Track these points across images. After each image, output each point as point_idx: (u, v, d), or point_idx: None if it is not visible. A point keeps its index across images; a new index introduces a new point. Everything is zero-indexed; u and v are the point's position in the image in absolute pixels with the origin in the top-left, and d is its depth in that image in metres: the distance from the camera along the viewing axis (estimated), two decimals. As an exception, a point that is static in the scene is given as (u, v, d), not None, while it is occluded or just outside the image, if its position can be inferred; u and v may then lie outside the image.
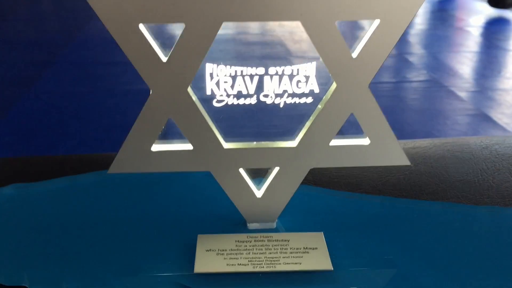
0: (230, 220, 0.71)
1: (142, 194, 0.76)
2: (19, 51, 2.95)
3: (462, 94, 2.47)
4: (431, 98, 2.58)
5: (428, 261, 0.64)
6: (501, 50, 3.15)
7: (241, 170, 0.66)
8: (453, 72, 2.78)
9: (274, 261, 0.62)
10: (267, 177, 0.68)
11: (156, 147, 0.65)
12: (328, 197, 0.76)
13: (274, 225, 0.70)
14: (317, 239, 0.66)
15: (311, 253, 0.63)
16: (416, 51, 3.12)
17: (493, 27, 3.64)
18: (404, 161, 0.66)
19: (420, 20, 3.74)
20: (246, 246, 0.65)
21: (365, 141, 0.65)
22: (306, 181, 0.69)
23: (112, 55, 2.61)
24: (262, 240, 0.66)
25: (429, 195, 0.79)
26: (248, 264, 0.62)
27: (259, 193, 0.68)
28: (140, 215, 0.72)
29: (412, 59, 2.93)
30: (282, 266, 0.61)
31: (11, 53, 2.93)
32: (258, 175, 0.70)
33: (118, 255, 0.64)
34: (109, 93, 2.35)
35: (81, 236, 0.67)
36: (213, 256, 0.63)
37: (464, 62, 2.94)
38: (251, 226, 0.70)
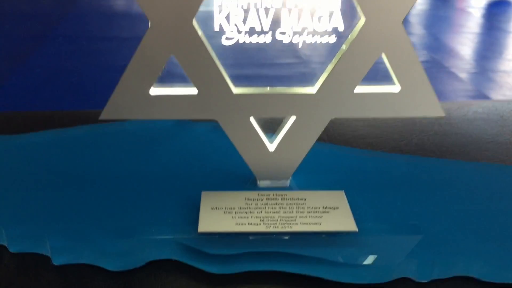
0: (239, 177, 0.62)
1: (139, 147, 0.67)
2: (12, 24, 2.85)
3: (463, 75, 2.39)
4: (432, 79, 2.48)
5: (458, 225, 0.56)
6: (503, 32, 3.07)
7: (252, 120, 0.58)
8: (454, 53, 2.69)
9: (289, 220, 0.54)
10: (281, 128, 0.60)
11: (155, 91, 0.56)
12: (348, 154, 0.68)
13: (287, 183, 0.62)
14: (338, 198, 0.58)
15: (331, 213, 0.56)
16: (416, 31, 3.03)
17: (494, 9, 3.55)
18: (438, 112, 0.58)
19: (421, 1, 3.65)
20: (257, 204, 0.57)
21: (395, 88, 0.57)
22: (320, 140, 0.61)
23: (107, 30, 2.52)
24: (275, 199, 0.58)
25: (456, 155, 0.71)
26: (260, 224, 0.54)
27: (271, 146, 0.60)
28: (137, 170, 0.63)
29: (413, 39, 2.84)
30: (299, 227, 0.53)
31: (4, 26, 2.82)
32: (271, 129, 0.62)
33: (111, 214, 0.56)
34: (104, 68, 2.26)
35: (69, 192, 0.59)
36: (219, 214, 0.55)
37: (465, 43, 2.85)
38: (261, 183, 0.61)
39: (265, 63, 1.71)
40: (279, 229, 0.53)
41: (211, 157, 0.66)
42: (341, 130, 0.76)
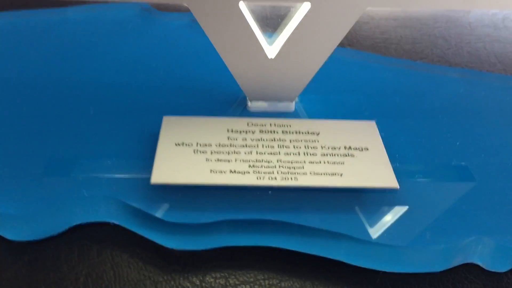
0: (220, 95, 0.43)
1: (82, 46, 0.47)
2: None
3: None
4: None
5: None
6: None
7: (243, 5, 0.37)
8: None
9: (294, 168, 0.35)
10: (287, 24, 0.39)
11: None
12: (378, 65, 0.48)
13: (292, 107, 0.42)
14: (368, 133, 0.38)
15: (358, 156, 0.36)
16: None
17: None
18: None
19: None
20: (245, 140, 0.37)
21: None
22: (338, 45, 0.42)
23: None
24: (274, 131, 0.38)
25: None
26: (248, 172, 0.35)
27: (271, 50, 0.39)
28: (70, 78, 0.43)
29: None
30: (308, 179, 0.34)
31: None
32: (270, 26, 0.41)
33: (17, 147, 0.37)
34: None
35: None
36: (186, 155, 0.36)
37: None
38: (254, 106, 0.42)
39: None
40: (278, 182, 0.34)
41: (183, 65, 0.45)
42: (365, 32, 0.56)
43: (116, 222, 0.33)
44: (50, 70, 0.44)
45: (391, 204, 0.34)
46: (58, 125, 0.38)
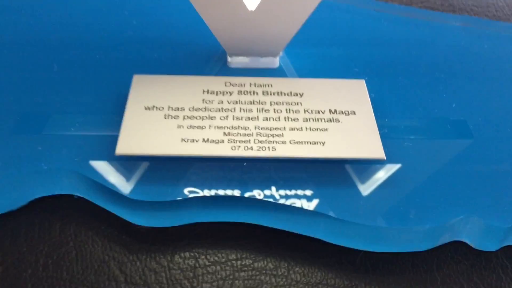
0: (198, 50, 0.39)
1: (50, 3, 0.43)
2: None
3: None
4: None
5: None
6: None
7: (218, -46, 0.33)
8: None
9: (273, 136, 0.32)
10: (269, -29, 0.35)
11: None
12: (373, 12, 0.44)
13: (276, 62, 0.39)
14: (356, 93, 0.35)
15: (344, 121, 0.33)
16: None
17: None
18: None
19: None
20: (222, 102, 0.34)
21: None
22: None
23: None
24: (254, 93, 0.35)
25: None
26: (223, 141, 0.32)
27: (252, 1, 0.36)
28: (46, 35, 0.40)
29: None
30: (288, 148, 0.32)
31: None
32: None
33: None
34: None
35: None
36: (156, 120, 0.33)
37: None
38: (234, 62, 0.39)
39: None
40: (254, 153, 0.31)
41: (155, 16, 0.42)
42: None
43: (80, 195, 0.31)
44: (13, 24, 0.40)
45: (375, 177, 0.31)
46: (14, 84, 0.35)
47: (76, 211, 0.31)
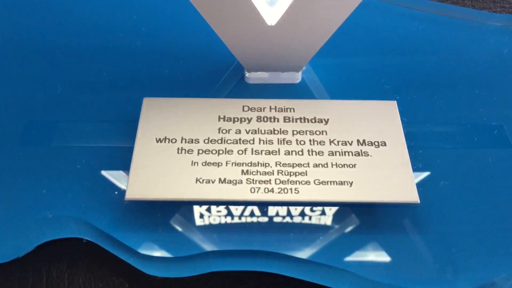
0: (213, 62, 0.36)
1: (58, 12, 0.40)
2: None
3: None
4: None
5: None
6: None
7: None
8: None
9: (296, 175, 0.29)
10: (291, -18, 0.31)
11: None
12: (405, 10, 0.40)
13: (298, 77, 0.35)
14: (387, 118, 0.32)
15: (372, 155, 0.30)
16: None
17: None
18: None
19: None
20: (239, 132, 0.31)
21: None
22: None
23: None
24: (274, 119, 0.32)
25: None
26: (241, 181, 0.29)
27: (271, 14, 0.32)
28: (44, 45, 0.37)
29: None
30: (311, 191, 0.29)
31: None
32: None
33: None
34: None
35: None
36: (169, 155, 0.30)
37: None
38: (253, 77, 0.35)
39: None
40: (275, 196, 0.29)
41: (167, 26, 0.38)
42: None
43: (89, 239, 0.29)
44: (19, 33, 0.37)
45: (406, 226, 0.29)
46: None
47: (85, 258, 0.29)
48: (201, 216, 0.29)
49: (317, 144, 0.31)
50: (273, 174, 0.29)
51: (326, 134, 0.31)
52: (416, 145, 0.31)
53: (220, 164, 0.30)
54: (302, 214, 0.29)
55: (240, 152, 0.30)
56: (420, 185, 0.30)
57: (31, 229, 0.28)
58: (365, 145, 0.31)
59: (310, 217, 0.29)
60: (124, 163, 0.30)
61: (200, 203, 0.29)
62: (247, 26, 0.32)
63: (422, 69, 0.36)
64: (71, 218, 0.28)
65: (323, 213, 0.29)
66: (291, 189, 0.29)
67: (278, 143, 0.31)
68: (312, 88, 0.35)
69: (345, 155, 0.30)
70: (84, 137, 0.32)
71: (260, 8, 0.31)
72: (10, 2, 0.40)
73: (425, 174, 0.30)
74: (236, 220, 0.29)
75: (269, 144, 0.31)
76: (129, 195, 0.28)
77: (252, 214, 0.29)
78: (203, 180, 0.29)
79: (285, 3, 0.31)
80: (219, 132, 0.31)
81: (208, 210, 0.29)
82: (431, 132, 0.32)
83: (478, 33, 0.38)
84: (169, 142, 0.31)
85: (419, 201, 0.28)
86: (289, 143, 0.31)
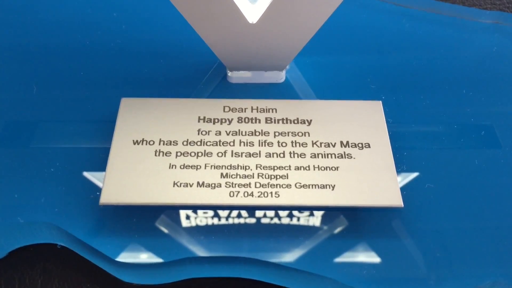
0: (194, 61, 0.35)
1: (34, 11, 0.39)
2: None
3: None
4: None
5: None
6: None
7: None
8: None
9: (276, 178, 0.29)
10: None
11: None
12: (393, 7, 0.39)
13: (282, 76, 0.35)
14: (372, 119, 0.31)
15: (356, 157, 0.30)
16: None
17: None
18: None
19: None
20: (219, 133, 0.30)
21: None
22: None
23: None
24: (256, 120, 0.31)
25: None
26: (220, 185, 0.28)
27: (252, 12, 0.31)
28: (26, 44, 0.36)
29: None
30: (292, 195, 0.28)
31: None
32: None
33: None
34: None
35: None
36: (146, 158, 0.29)
37: None
38: (235, 76, 0.34)
39: None
40: (255, 200, 0.28)
41: (147, 24, 0.37)
42: None
43: (63, 244, 0.28)
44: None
45: (390, 231, 0.28)
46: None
47: (59, 264, 0.28)
48: (179, 221, 0.28)
49: (299, 146, 0.30)
50: (253, 177, 0.29)
51: (309, 135, 0.30)
52: (401, 146, 0.31)
53: (199, 167, 0.29)
54: (283, 218, 0.28)
55: (220, 154, 0.29)
56: (404, 188, 0.29)
57: (2, 235, 0.28)
58: (349, 146, 0.30)
59: (290, 222, 0.28)
60: (100, 165, 0.30)
61: (178, 207, 0.28)
62: (228, 24, 0.31)
63: (409, 68, 0.35)
64: (44, 223, 0.27)
65: (304, 217, 0.28)
66: (271, 192, 0.28)
67: (259, 145, 0.30)
68: (297, 87, 0.34)
69: (327, 157, 0.29)
70: (59, 138, 0.31)
71: (241, 6, 0.30)
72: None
73: (410, 176, 0.30)
74: (214, 225, 0.28)
75: (249, 146, 0.30)
76: (103, 200, 0.27)
77: (231, 218, 0.28)
78: (180, 183, 0.28)
79: (266, 0, 0.31)
80: (198, 134, 0.30)
81: (186, 215, 0.28)
82: (417, 133, 0.31)
83: (467, 31, 0.37)
84: (146, 144, 0.30)
85: (403, 205, 0.28)
86: (270, 145, 0.30)
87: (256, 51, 0.32)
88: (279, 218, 0.28)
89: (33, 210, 0.28)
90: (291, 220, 0.28)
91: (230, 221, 0.28)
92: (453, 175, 0.30)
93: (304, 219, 0.28)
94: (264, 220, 0.28)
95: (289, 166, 0.29)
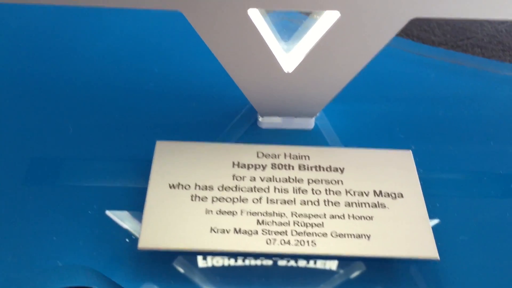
0: (225, 103, 0.36)
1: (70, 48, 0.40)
2: None
3: None
4: None
5: None
6: None
7: (253, 12, 0.29)
8: None
9: (312, 226, 0.29)
10: (307, 28, 0.31)
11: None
12: (415, 57, 0.40)
13: (311, 123, 0.35)
14: (403, 169, 0.32)
15: (390, 207, 0.30)
16: None
17: None
18: None
19: None
20: (254, 179, 0.31)
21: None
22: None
23: None
24: (289, 166, 0.32)
25: None
26: (256, 232, 0.28)
27: (288, 62, 0.32)
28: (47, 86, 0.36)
29: None
30: (329, 244, 0.28)
31: None
32: (287, 31, 0.33)
33: None
34: None
35: None
36: (182, 203, 0.29)
37: None
38: (266, 122, 0.35)
39: None
40: (291, 249, 0.28)
41: (179, 66, 0.38)
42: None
43: (98, 288, 0.28)
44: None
45: (424, 283, 0.28)
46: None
47: (94, 309, 0.28)
48: (215, 268, 0.28)
49: (333, 194, 0.30)
50: (289, 224, 0.29)
51: (342, 183, 0.31)
52: (432, 196, 0.31)
53: (235, 213, 0.29)
54: (316, 266, 0.28)
55: (255, 200, 0.30)
56: (438, 239, 0.29)
57: (41, 277, 0.28)
58: (382, 196, 0.30)
59: (324, 270, 0.28)
60: (136, 206, 0.30)
61: (216, 254, 0.28)
62: (264, 72, 0.31)
63: (435, 118, 0.36)
64: (81, 266, 0.27)
65: (338, 266, 0.29)
66: (308, 241, 0.28)
67: (294, 192, 0.30)
68: (325, 134, 0.35)
69: (362, 206, 0.30)
70: (96, 177, 0.31)
71: (277, 55, 0.31)
72: (30, 41, 0.39)
73: (443, 227, 0.30)
74: (252, 272, 0.28)
75: (284, 192, 0.30)
76: (142, 244, 0.28)
77: (265, 267, 0.28)
78: (218, 229, 0.28)
79: (302, 50, 0.31)
80: (233, 179, 0.31)
81: (223, 261, 0.28)
82: (447, 183, 0.32)
83: (490, 82, 0.38)
84: (182, 188, 0.30)
85: (439, 258, 0.28)
86: (304, 192, 0.30)
87: (289, 99, 0.33)
88: (312, 266, 0.28)
89: (71, 253, 0.28)
90: (325, 268, 0.28)
91: (266, 269, 0.28)
92: (485, 226, 0.30)
93: (338, 268, 0.29)
94: (299, 269, 0.28)
95: (324, 215, 0.29)
